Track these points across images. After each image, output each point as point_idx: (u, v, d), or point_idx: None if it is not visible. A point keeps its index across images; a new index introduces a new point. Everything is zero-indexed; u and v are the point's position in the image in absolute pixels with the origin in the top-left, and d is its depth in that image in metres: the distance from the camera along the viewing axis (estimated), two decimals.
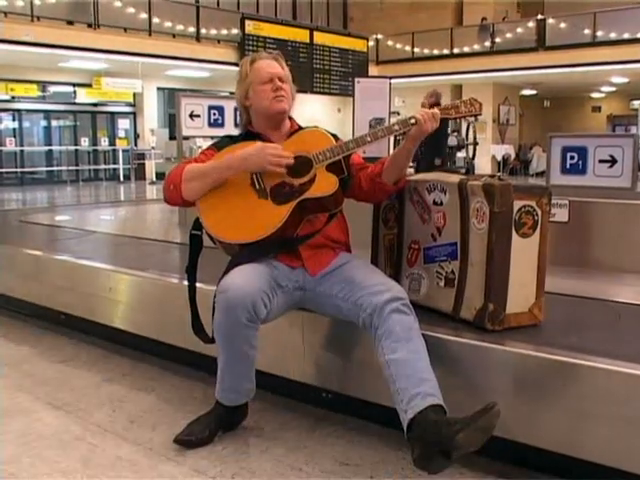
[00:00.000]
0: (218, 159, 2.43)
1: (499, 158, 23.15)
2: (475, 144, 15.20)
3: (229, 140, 2.59)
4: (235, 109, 3.74)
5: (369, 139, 2.40)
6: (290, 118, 2.60)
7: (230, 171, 2.37)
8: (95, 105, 20.17)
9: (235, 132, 2.90)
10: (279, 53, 2.63)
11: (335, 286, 2.37)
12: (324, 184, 2.39)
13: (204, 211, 2.41)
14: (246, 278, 2.27)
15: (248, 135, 2.57)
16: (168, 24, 17.55)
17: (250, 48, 18.30)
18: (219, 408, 2.46)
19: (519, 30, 21.17)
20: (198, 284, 2.56)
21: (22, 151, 19.26)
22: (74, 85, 19.38)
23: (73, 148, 19.98)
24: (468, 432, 1.94)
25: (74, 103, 19.73)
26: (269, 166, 2.34)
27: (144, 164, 20.07)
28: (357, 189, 2.53)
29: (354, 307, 2.28)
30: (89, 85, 19.07)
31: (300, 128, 2.59)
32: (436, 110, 2.39)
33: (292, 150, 2.42)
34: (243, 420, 2.54)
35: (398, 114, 18.34)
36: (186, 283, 2.56)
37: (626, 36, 18.73)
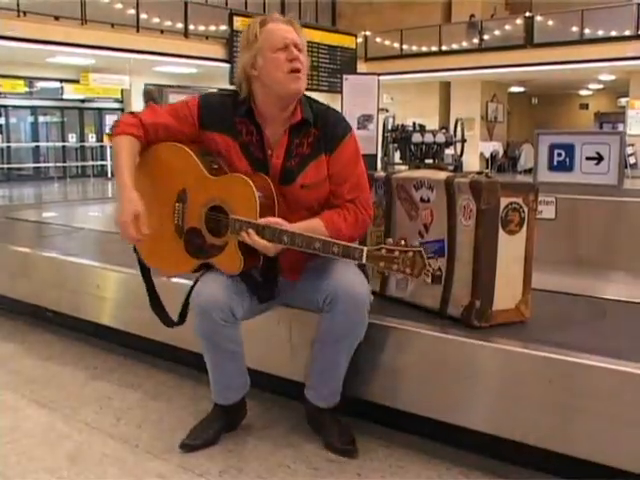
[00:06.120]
0: (127, 172, 2.20)
1: (487, 155, 23.22)
2: (463, 141, 15.24)
3: (221, 108, 2.30)
4: None
5: (286, 240, 2.11)
6: (298, 99, 2.30)
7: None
8: (82, 101, 20.08)
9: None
10: (293, 17, 2.32)
11: (307, 283, 2.30)
12: (228, 262, 2.21)
13: None
14: (218, 281, 2.23)
15: (248, 113, 2.27)
16: (156, 20, 17.48)
17: (238, 45, 18.21)
18: (218, 409, 2.44)
19: (507, 27, 21.22)
20: None
21: (9, 147, 19.15)
22: (61, 81, 19.26)
23: (60, 144, 19.88)
24: None
25: (61, 99, 19.63)
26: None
27: None
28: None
29: (316, 293, 2.22)
30: (76, 81, 18.96)
31: (303, 119, 2.28)
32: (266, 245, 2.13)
33: (215, 195, 2.22)
34: (243, 419, 2.52)
35: (386, 111, 18.38)
36: (174, 279, 2.56)
37: (613, 34, 18.81)
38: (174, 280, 2.59)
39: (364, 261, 2.02)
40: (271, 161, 2.27)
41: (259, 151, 2.28)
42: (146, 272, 2.47)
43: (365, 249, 2.02)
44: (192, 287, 2.31)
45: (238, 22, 18.86)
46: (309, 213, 2.26)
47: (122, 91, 20.05)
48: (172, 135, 2.31)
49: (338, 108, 2.49)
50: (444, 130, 15.83)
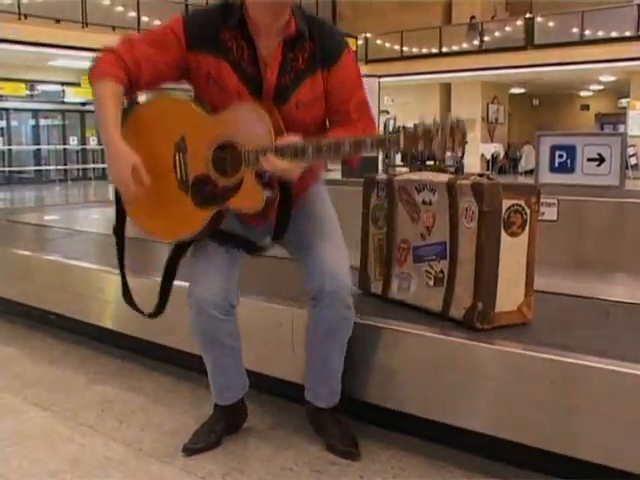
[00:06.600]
0: (111, 127, 2.03)
1: (488, 157, 23.21)
2: (464, 143, 15.22)
3: (209, 24, 2.13)
4: None
5: (311, 151, 1.96)
6: (292, 11, 2.10)
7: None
8: (84, 104, 20.09)
9: None
10: None
11: (291, 242, 2.26)
12: (247, 199, 2.04)
13: None
14: (208, 270, 2.21)
15: (240, 23, 2.10)
16: (157, 22, 17.48)
17: None
18: (218, 411, 2.44)
19: (507, 29, 21.25)
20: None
21: (10, 150, 19.20)
22: (62, 84, 19.31)
23: (61, 147, 19.92)
24: None
25: (62, 102, 19.66)
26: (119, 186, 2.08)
27: None
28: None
29: (303, 268, 2.24)
30: (77, 84, 18.97)
31: (298, 32, 2.11)
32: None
33: (221, 132, 2.05)
34: (244, 421, 2.52)
35: (387, 113, 18.37)
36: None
37: (614, 35, 18.82)
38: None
39: (402, 145, 1.95)
40: (265, 77, 2.13)
41: (252, 67, 2.12)
42: (121, 258, 2.40)
43: (401, 132, 1.93)
44: (165, 277, 2.34)
45: None
46: (307, 134, 2.08)
47: None
48: (155, 66, 2.12)
49: None
50: None
